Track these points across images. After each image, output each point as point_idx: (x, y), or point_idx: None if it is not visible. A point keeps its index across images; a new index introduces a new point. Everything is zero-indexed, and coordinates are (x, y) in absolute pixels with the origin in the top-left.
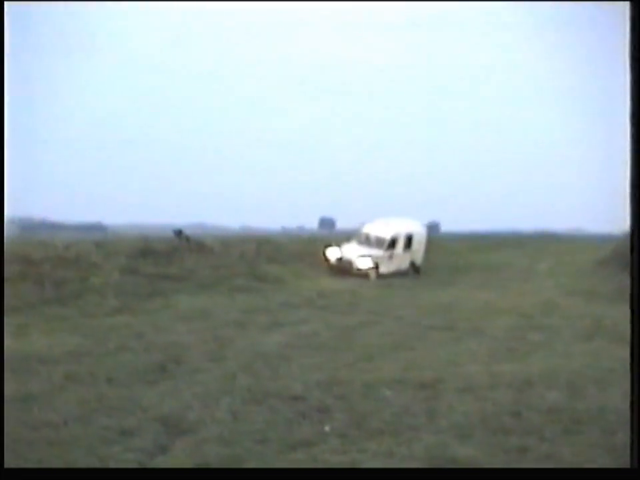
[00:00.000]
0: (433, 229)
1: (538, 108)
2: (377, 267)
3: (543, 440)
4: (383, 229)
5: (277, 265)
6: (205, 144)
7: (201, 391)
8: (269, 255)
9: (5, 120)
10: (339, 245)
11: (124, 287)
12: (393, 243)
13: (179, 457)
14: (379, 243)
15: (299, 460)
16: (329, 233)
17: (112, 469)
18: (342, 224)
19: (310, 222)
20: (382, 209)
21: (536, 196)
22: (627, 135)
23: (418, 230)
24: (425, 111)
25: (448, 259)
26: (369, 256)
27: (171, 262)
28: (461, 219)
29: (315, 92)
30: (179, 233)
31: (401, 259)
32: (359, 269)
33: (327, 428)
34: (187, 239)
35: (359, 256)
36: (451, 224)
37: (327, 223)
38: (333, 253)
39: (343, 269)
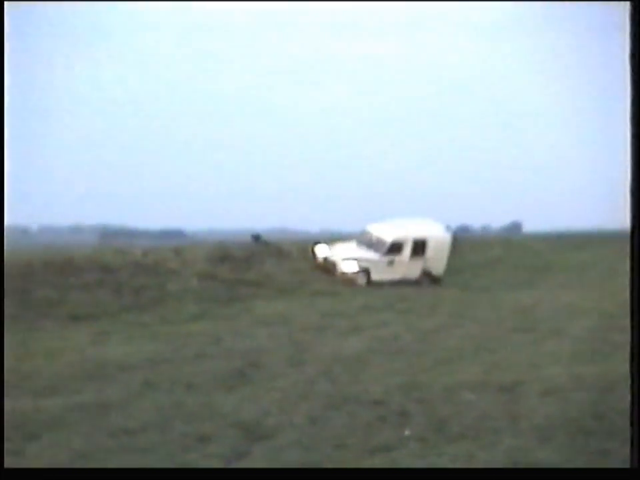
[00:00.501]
0: (514, 228)
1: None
2: (367, 272)
3: (625, 443)
4: (387, 230)
5: None
6: (284, 148)
7: (279, 397)
8: None
9: (4, 120)
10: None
11: (202, 293)
12: (395, 247)
13: (257, 463)
14: (378, 245)
15: (377, 465)
16: None
17: (112, 469)
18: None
19: None
20: (467, 211)
21: (620, 193)
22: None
23: (436, 234)
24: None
25: (529, 259)
26: (356, 259)
27: (250, 267)
28: (544, 218)
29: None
30: (257, 237)
31: (407, 267)
32: (342, 273)
33: (407, 432)
34: (266, 243)
35: (344, 258)
36: (534, 223)
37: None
38: (320, 251)
39: (327, 270)
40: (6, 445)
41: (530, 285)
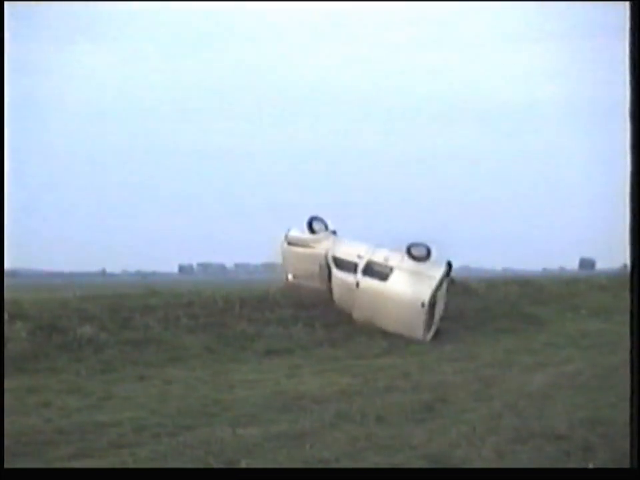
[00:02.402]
0: (586, 265)
1: None
2: None
3: None
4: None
5: (539, 306)
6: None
7: (467, 430)
8: (531, 296)
9: (4, 119)
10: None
11: None
12: None
13: None
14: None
15: None
16: (589, 273)
17: (112, 469)
18: (602, 264)
19: (570, 263)
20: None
21: None
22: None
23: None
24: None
25: None
26: None
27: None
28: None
29: None
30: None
31: None
32: None
33: (590, 466)
34: (452, 280)
35: None
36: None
37: (587, 263)
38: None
39: None
40: None
41: None
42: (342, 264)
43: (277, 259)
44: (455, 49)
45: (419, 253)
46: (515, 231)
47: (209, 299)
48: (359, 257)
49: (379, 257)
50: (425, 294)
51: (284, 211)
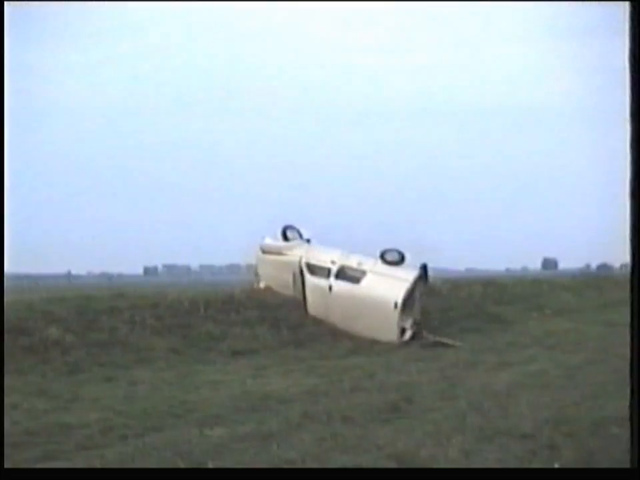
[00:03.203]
0: (549, 265)
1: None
2: None
3: None
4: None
5: (503, 306)
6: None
7: (433, 429)
8: (495, 296)
9: (4, 119)
10: None
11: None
12: None
13: None
14: None
15: None
16: (552, 273)
17: (112, 469)
18: (565, 264)
19: (533, 262)
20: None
21: None
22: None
23: None
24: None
25: None
26: None
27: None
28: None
29: None
30: None
31: None
32: None
33: (556, 465)
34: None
35: None
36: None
37: (550, 263)
38: None
39: None
40: None
41: None
42: (315, 270)
43: (252, 267)
44: (454, 48)
45: (392, 258)
46: (478, 231)
47: (175, 300)
48: (332, 262)
49: (352, 262)
50: (398, 295)
51: (250, 214)
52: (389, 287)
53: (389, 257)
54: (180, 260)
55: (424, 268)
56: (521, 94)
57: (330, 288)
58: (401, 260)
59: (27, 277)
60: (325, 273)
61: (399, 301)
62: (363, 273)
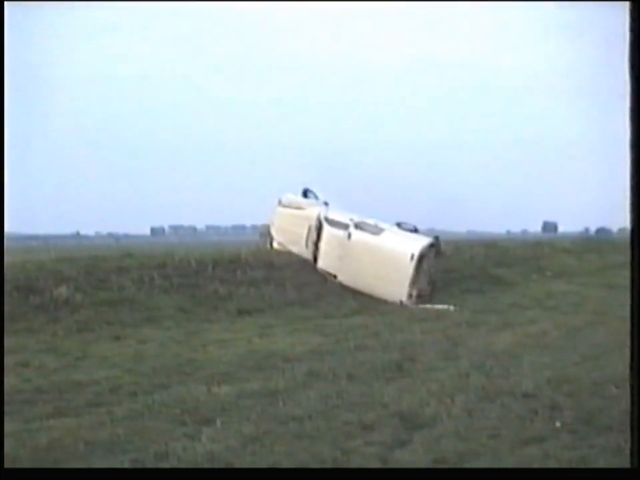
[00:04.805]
0: (549, 228)
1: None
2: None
3: None
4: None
5: (505, 268)
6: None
7: (436, 388)
8: (496, 258)
9: (4, 119)
10: None
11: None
12: None
13: (417, 452)
14: None
15: (531, 455)
16: (552, 236)
17: (112, 469)
18: (564, 227)
19: (534, 226)
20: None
21: None
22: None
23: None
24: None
25: None
26: None
27: None
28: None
29: None
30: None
31: None
32: None
33: (557, 424)
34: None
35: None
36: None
37: (549, 226)
38: None
39: None
40: (182, 429)
41: None
42: (334, 223)
43: (267, 225)
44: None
45: (407, 227)
46: (479, 193)
47: (182, 260)
48: (351, 219)
49: (370, 221)
50: (416, 248)
51: (255, 177)
52: (407, 241)
53: (404, 227)
54: (186, 221)
55: (437, 239)
56: (527, 60)
57: (349, 236)
58: (414, 230)
59: (36, 237)
60: (344, 226)
61: (416, 254)
62: (382, 229)
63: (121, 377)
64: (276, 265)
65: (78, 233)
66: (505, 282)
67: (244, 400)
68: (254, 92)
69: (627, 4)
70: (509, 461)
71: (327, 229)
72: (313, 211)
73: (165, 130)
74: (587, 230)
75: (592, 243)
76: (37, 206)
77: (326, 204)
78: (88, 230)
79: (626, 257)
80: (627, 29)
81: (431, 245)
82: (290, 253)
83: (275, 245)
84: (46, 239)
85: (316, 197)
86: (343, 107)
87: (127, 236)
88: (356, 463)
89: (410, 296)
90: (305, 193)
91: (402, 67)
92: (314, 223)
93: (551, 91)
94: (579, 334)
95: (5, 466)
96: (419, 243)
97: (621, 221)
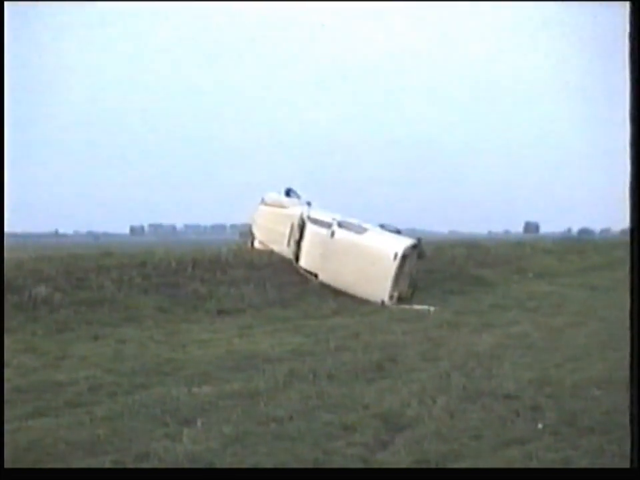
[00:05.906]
0: (531, 229)
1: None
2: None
3: None
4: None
5: (486, 269)
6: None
7: (417, 389)
8: (477, 259)
9: (4, 118)
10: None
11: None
12: None
13: (399, 453)
14: None
15: (513, 456)
16: (534, 237)
17: (113, 469)
18: (546, 228)
19: (515, 226)
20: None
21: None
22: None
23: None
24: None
25: None
26: None
27: None
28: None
29: None
30: None
31: None
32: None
33: (539, 425)
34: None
35: None
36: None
37: (531, 227)
38: None
39: None
40: (163, 430)
41: None
42: (317, 222)
43: (248, 224)
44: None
45: (390, 229)
46: (461, 194)
47: (162, 259)
48: (334, 219)
49: (353, 221)
50: (399, 247)
51: (235, 177)
52: (390, 240)
53: (387, 228)
54: (165, 220)
55: (419, 241)
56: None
57: (332, 234)
58: (397, 232)
59: (15, 235)
60: (327, 225)
61: (400, 253)
62: (365, 229)
63: (100, 377)
64: (256, 264)
65: (57, 232)
66: (486, 282)
67: (224, 400)
68: (235, 91)
69: (627, 4)
70: (491, 463)
71: (309, 227)
72: (296, 209)
73: (144, 129)
74: (569, 230)
75: (573, 244)
76: (15, 204)
77: (308, 204)
78: (67, 228)
79: (607, 258)
80: (627, 28)
81: (414, 246)
82: (271, 253)
83: (256, 244)
84: (24, 237)
85: (298, 197)
86: (325, 106)
87: (106, 235)
88: (337, 464)
89: (391, 297)
90: (288, 193)
91: (389, 64)
92: (297, 221)
93: (537, 92)
94: (561, 335)
95: None
96: (402, 243)
97: (604, 221)
